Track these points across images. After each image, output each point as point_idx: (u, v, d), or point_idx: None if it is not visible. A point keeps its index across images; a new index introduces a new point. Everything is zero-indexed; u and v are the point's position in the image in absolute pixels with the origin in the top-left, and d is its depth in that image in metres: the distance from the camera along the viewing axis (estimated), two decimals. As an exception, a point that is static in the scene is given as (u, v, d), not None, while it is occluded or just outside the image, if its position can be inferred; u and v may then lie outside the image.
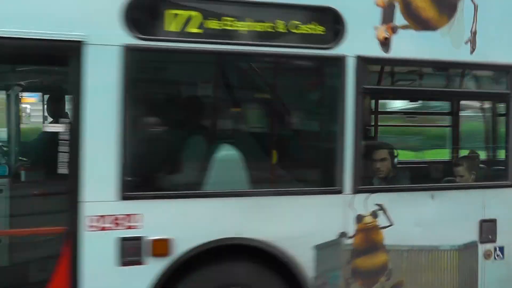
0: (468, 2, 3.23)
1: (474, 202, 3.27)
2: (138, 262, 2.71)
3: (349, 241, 3.01)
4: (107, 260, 2.68)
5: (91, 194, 2.65)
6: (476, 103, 4.49)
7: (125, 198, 2.70)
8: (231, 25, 2.80)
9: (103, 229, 2.67)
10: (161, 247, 2.72)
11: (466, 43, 3.21)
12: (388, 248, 3.09)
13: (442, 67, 3.42)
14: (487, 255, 3.30)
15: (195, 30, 2.76)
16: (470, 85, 3.77)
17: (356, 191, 2.99)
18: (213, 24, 2.78)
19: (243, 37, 2.84)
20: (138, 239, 2.71)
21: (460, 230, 3.23)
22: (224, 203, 2.86)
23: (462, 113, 4.59)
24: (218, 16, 2.79)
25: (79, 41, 2.53)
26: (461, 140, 4.51)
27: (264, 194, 2.91)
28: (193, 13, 2.74)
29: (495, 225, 3.30)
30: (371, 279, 3.08)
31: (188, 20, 2.74)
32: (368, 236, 3.04)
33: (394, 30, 3.04)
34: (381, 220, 3.06)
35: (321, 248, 2.96)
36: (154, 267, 2.72)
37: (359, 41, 2.99)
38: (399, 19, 3.08)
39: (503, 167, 3.41)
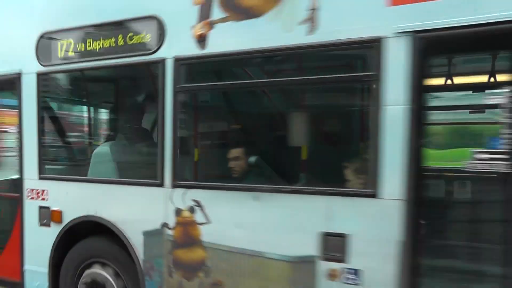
0: None
1: (313, 211, 2.81)
2: (48, 225, 3.87)
3: (170, 232, 3.23)
4: (34, 221, 3.96)
5: (27, 174, 3.99)
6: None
7: (40, 178, 3.91)
8: (90, 46, 3.58)
9: (32, 198, 3.96)
10: (56, 216, 3.79)
11: (302, 23, 2.81)
12: (205, 245, 3.11)
13: (271, 55, 2.98)
14: (331, 276, 2.78)
15: (71, 54, 3.69)
16: (313, 72, 3.04)
17: (175, 185, 3.18)
18: (80, 47, 3.64)
19: (99, 53, 3.55)
20: (47, 208, 3.87)
21: (293, 240, 2.85)
22: (89, 188, 3.67)
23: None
24: (84, 41, 3.63)
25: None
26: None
27: (110, 182, 3.54)
28: (68, 41, 3.69)
29: (345, 242, 2.73)
30: (190, 273, 3.18)
31: (68, 47, 3.70)
32: (186, 230, 3.16)
33: (211, 25, 3.06)
34: (198, 216, 3.13)
35: (148, 235, 3.33)
36: (54, 231, 3.82)
37: (177, 43, 3.17)
38: (217, 13, 3.05)
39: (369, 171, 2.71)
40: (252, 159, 3.31)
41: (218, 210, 3.05)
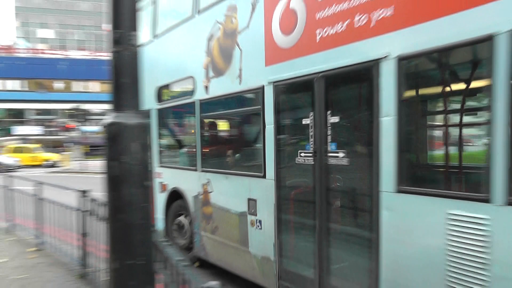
0: (237, 49, 4.96)
1: (244, 186, 5.01)
2: (162, 192, 7.03)
3: (200, 196, 5.89)
4: (157, 190, 7.23)
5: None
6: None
7: (159, 166, 7.20)
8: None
9: (156, 177, 7.16)
10: (164, 187, 6.90)
11: (236, 78, 5.04)
12: (212, 204, 5.63)
13: (227, 98, 5.25)
14: (251, 223, 4.94)
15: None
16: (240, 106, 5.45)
17: (202, 170, 5.87)
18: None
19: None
20: (161, 183, 7.02)
21: (238, 202, 5.09)
22: (175, 172, 6.89)
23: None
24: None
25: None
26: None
27: (179, 168, 6.67)
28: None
29: (255, 204, 4.88)
30: (208, 220, 5.75)
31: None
32: (206, 196, 5.74)
33: (209, 80, 5.59)
34: (209, 188, 5.69)
35: (193, 198, 6.11)
36: (164, 195, 6.96)
37: (199, 92, 5.80)
38: (210, 73, 5.54)
39: (262, 164, 4.73)
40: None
41: (215, 184, 5.56)
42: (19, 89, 47.48)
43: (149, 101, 7.00)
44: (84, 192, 5.29)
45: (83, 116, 29.40)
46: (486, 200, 2.71)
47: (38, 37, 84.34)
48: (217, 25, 5.37)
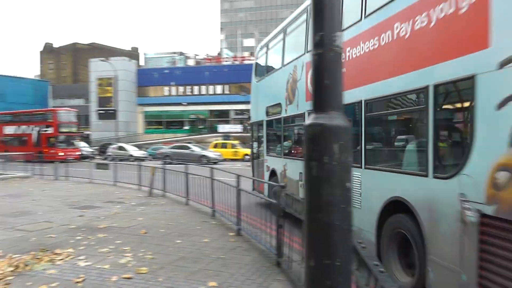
0: (297, 90, 8.91)
1: (297, 165, 8.93)
2: (267, 171, 11.60)
3: (282, 172, 10.22)
4: (265, 170, 11.69)
5: (265, 153, 12.44)
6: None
7: (267, 155, 11.90)
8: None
9: (264, 162, 11.92)
10: (268, 168, 11.55)
11: (296, 106, 8.89)
12: (287, 176, 9.83)
13: (293, 117, 9.30)
14: (300, 185, 8.46)
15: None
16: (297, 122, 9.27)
17: (284, 157, 9.83)
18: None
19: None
20: (268, 166, 11.50)
21: (296, 174, 8.97)
22: (274, 158, 11.06)
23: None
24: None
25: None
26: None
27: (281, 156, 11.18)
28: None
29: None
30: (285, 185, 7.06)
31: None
32: (284, 172, 10.25)
33: (286, 106, 9.52)
34: (286, 167, 9.93)
35: (280, 173, 10.39)
36: (267, 174, 11.46)
37: (283, 111, 9.88)
38: (287, 102, 9.48)
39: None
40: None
41: (288, 165, 9.66)
42: (224, 92, 53.57)
43: (262, 114, 11.59)
44: (282, 187, 5.59)
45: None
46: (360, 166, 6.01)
47: (240, 47, 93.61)
48: (290, 75, 9.21)
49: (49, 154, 31.44)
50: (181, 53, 70.77)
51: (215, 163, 28.57)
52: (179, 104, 55.61)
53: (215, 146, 36.17)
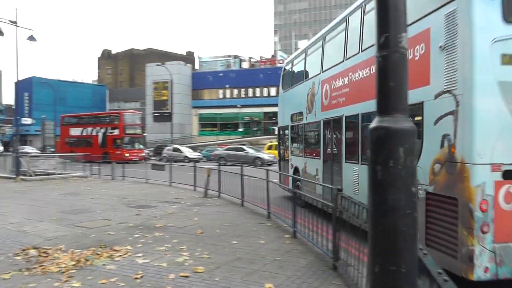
0: (315, 102, 10.72)
1: (315, 162, 10.84)
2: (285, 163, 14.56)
3: (303, 168, 12.04)
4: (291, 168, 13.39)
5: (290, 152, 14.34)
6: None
7: (291, 155, 13.93)
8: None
9: (289, 161, 13.81)
10: (291, 165, 13.39)
11: (314, 115, 10.69)
12: (306, 171, 11.79)
13: (312, 123, 11.06)
14: (317, 180, 10.26)
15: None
16: (314, 127, 11.02)
17: (304, 156, 12.31)
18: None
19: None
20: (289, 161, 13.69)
21: (314, 170, 10.88)
22: (296, 157, 12.93)
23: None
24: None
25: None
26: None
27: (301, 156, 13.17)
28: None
29: (319, 170, 10.40)
30: (306, 180, 11.25)
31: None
32: (304, 168, 12.18)
33: (307, 114, 11.48)
34: (306, 164, 12.22)
35: (302, 169, 12.38)
36: (292, 171, 13.19)
37: (304, 119, 11.79)
38: (308, 111, 11.32)
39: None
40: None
41: (308, 163, 11.22)
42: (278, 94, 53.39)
43: (287, 120, 13.35)
44: (338, 190, 5.58)
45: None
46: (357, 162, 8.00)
47: (294, 48, 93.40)
48: (309, 89, 11.04)
49: (115, 155, 32.81)
50: (235, 56, 71.75)
51: (269, 164, 28.65)
52: (234, 106, 56.80)
53: (270, 148, 36.19)
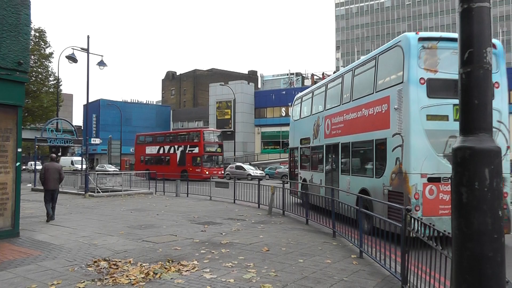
0: (319, 131, 15.07)
1: (319, 175, 15.34)
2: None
3: (310, 180, 16.97)
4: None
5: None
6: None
7: (300, 168, 17.40)
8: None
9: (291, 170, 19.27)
10: (300, 178, 17.03)
11: (319, 140, 14.85)
12: (312, 181, 15.63)
13: (317, 146, 15.15)
14: (320, 190, 13.75)
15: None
16: (319, 150, 15.56)
17: (310, 171, 16.90)
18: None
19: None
20: (297, 171, 18.30)
21: (318, 180, 15.91)
22: (304, 171, 16.85)
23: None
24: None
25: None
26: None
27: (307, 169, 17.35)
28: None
29: (322, 180, 15.09)
30: (312, 187, 15.44)
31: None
32: (311, 180, 16.39)
33: (313, 139, 16.04)
34: (313, 177, 16.68)
35: (309, 181, 16.95)
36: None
37: (311, 142, 16.11)
38: (314, 137, 15.62)
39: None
40: None
41: (314, 175, 15.62)
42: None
43: (297, 143, 17.42)
44: (407, 210, 5.41)
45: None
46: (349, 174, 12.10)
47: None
48: (315, 121, 15.01)
49: (195, 173, 33.05)
50: (297, 74, 72.07)
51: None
52: None
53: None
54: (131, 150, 69.63)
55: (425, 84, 9.06)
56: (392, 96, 9.67)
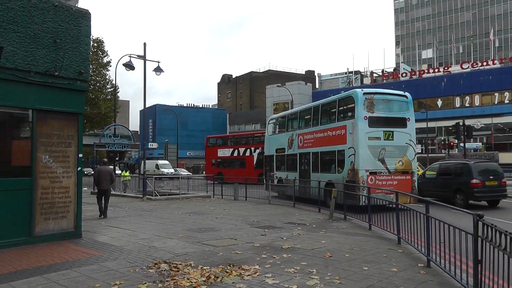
0: (293, 143, 22.12)
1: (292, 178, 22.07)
2: (276, 179, 23.98)
3: (285, 178, 23.86)
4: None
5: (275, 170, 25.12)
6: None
7: (276, 170, 24.65)
8: None
9: (273, 173, 24.60)
10: (276, 177, 23.82)
11: (293, 149, 22.19)
12: (286, 180, 22.41)
13: (292, 154, 22.53)
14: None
15: None
16: (292, 157, 23.01)
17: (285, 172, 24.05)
18: None
19: None
20: (277, 177, 24.30)
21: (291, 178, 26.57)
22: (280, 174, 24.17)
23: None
24: None
25: None
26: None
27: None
28: None
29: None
30: (279, 184, 23.11)
31: None
32: (286, 178, 25.14)
33: (288, 149, 23.78)
34: (286, 176, 28.95)
35: (283, 178, 24.06)
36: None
37: (286, 151, 23.18)
38: (289, 147, 22.75)
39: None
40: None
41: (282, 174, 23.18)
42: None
43: (273, 151, 24.01)
44: (479, 216, 4.93)
45: (463, 133, 28.96)
46: (318, 172, 19.35)
47: (418, 59, 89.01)
48: (290, 136, 22.10)
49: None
50: (356, 72, 70.63)
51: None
52: None
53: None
54: (187, 154, 71.68)
55: (367, 119, 15.99)
56: (348, 125, 16.57)
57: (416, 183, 16.60)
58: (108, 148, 26.68)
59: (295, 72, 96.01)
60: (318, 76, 79.76)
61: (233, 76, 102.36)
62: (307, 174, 19.49)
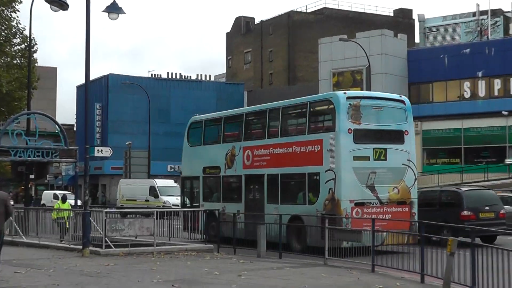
0: (235, 161, 17.92)
1: (233, 207, 20.59)
2: None
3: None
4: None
5: None
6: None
7: None
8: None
9: None
10: (204, 211, 21.34)
11: (235, 170, 18.70)
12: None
13: (232, 176, 19.00)
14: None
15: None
16: (235, 180, 21.72)
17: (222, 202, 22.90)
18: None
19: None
20: None
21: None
22: None
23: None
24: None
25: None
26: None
27: None
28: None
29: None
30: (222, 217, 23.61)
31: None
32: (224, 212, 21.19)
33: (225, 169, 18.76)
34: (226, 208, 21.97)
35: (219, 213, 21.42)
36: None
37: (222, 172, 19.27)
38: (227, 166, 19.57)
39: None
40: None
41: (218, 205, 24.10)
42: None
43: (198, 171, 20.39)
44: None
45: None
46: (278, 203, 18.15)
47: None
48: (229, 150, 18.62)
49: None
50: (493, 13, 48.74)
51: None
52: (495, 114, 37.15)
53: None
54: (168, 169, 42.95)
55: (351, 133, 15.37)
56: (325, 140, 15.57)
57: (416, 216, 16.55)
58: (15, 157, 18.01)
59: (374, 12, 70.49)
60: (420, 21, 55.83)
61: (256, 22, 74.49)
62: (258, 206, 19.33)
